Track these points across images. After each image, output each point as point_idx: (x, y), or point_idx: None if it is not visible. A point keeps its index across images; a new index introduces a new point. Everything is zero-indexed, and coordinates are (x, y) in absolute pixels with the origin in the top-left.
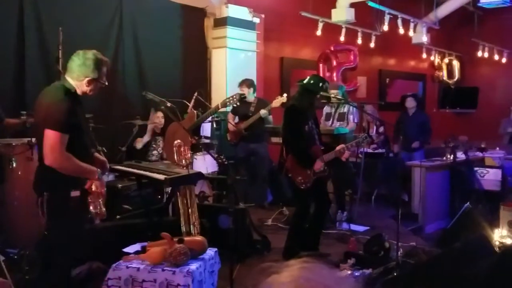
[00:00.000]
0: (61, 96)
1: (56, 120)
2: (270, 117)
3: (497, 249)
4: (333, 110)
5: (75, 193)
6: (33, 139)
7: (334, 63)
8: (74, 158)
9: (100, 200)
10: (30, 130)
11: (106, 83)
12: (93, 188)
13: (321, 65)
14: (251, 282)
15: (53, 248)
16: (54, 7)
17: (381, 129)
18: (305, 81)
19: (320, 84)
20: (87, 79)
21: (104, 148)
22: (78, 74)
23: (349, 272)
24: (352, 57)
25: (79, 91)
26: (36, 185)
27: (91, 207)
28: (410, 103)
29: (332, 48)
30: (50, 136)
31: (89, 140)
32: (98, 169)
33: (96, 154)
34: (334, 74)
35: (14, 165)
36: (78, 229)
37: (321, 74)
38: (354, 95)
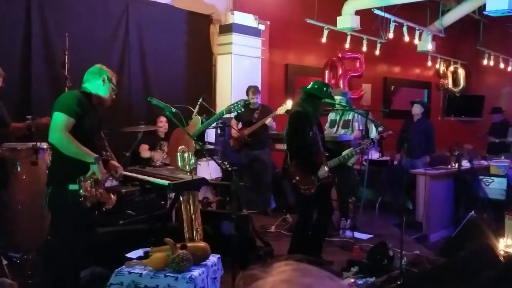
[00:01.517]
0: (74, 91)
1: (63, 104)
2: (274, 124)
3: (501, 259)
4: (338, 117)
5: (73, 187)
6: (38, 144)
7: (340, 70)
8: (75, 140)
9: (91, 182)
10: (35, 135)
11: (116, 90)
12: (92, 177)
13: (326, 72)
14: None
15: (56, 248)
16: (61, 13)
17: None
18: (308, 87)
19: (324, 89)
20: (103, 76)
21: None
22: (94, 76)
23: (352, 280)
24: (358, 64)
25: (94, 91)
26: (47, 180)
27: (81, 190)
28: (415, 109)
29: (340, 55)
30: (56, 116)
31: (101, 145)
32: (97, 156)
33: (112, 161)
34: (341, 82)
35: (19, 169)
36: (78, 224)
37: (326, 81)
38: (358, 103)
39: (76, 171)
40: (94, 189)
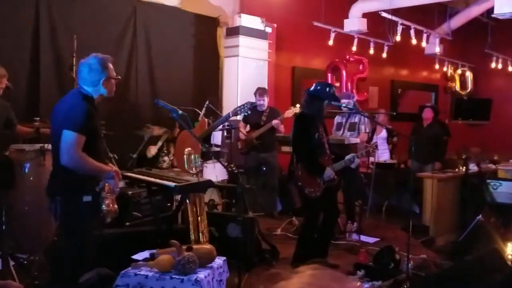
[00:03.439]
0: (79, 100)
1: (74, 122)
2: (282, 127)
3: (509, 263)
4: (344, 120)
5: (87, 198)
6: (46, 145)
7: (344, 73)
8: (89, 157)
9: (112, 198)
10: (43, 137)
11: (119, 77)
12: (106, 188)
13: (329, 74)
14: None
15: (63, 253)
16: (69, 15)
17: (395, 139)
18: (311, 88)
19: (327, 89)
20: (101, 81)
21: (115, 155)
22: (92, 80)
23: (358, 284)
24: (361, 67)
25: (96, 95)
26: (49, 189)
27: (103, 205)
28: (428, 113)
29: (347, 57)
30: (67, 136)
31: (103, 145)
32: (113, 168)
33: (110, 164)
34: (349, 85)
35: (26, 170)
36: (89, 234)
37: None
38: (366, 105)
39: (87, 180)
40: (115, 206)
